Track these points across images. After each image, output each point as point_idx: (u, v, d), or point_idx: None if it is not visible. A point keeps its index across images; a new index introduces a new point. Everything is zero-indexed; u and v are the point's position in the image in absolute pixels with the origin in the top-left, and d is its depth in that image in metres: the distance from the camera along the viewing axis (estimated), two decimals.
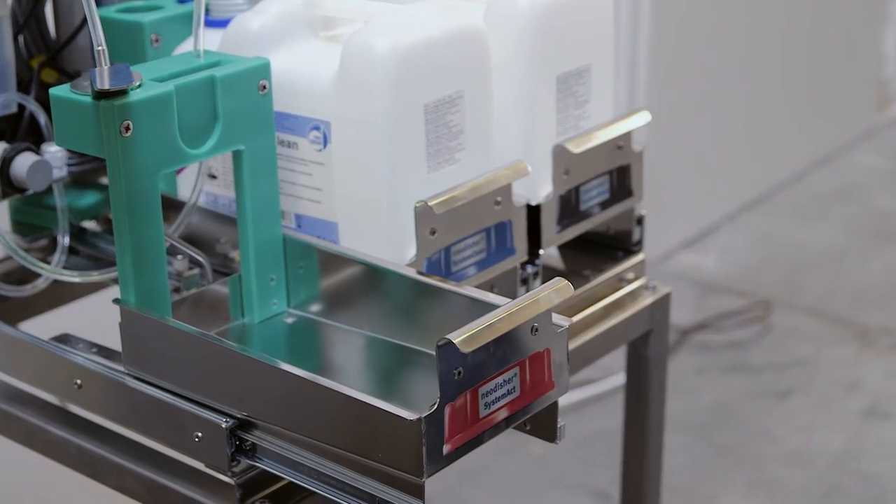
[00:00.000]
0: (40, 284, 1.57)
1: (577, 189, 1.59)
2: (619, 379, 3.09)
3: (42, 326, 1.61)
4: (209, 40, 1.41)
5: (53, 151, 1.54)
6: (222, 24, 1.49)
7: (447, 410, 1.15)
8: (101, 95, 1.26)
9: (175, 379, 1.31)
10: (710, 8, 3.84)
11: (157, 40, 1.52)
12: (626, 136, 1.63)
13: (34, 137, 1.59)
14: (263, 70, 1.36)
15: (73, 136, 1.31)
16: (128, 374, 1.35)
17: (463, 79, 1.45)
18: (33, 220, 1.67)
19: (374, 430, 1.17)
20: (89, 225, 1.73)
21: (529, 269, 1.55)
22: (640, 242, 1.71)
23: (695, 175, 3.94)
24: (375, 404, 1.16)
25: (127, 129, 1.27)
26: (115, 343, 1.40)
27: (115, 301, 1.34)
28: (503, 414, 1.22)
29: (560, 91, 1.57)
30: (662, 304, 1.71)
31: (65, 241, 1.58)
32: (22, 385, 1.50)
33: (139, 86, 1.29)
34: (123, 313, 1.34)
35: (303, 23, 1.49)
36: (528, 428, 1.30)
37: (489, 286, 1.49)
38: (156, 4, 1.57)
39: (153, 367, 1.33)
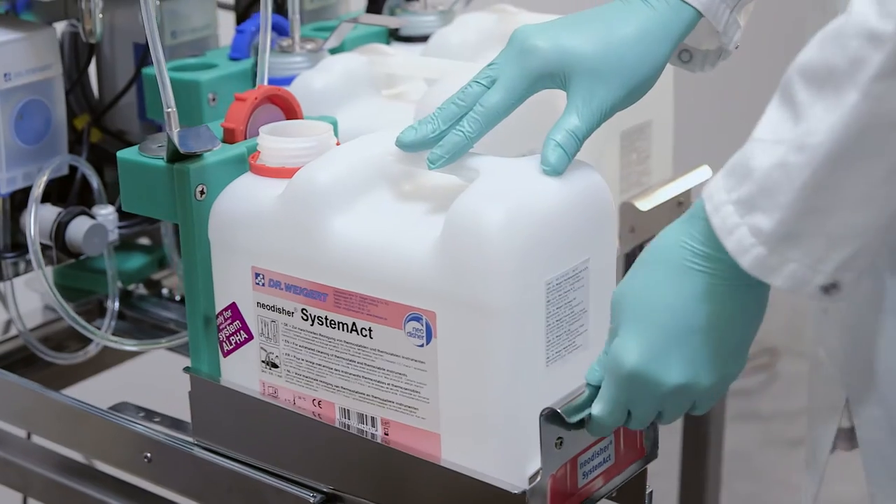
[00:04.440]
0: (91, 350, 1.53)
1: (641, 247, 1.57)
2: None
3: (83, 389, 1.57)
4: None
5: (105, 214, 1.50)
6: (286, 81, 1.45)
7: (549, 481, 1.12)
8: (176, 158, 1.22)
9: (252, 451, 1.26)
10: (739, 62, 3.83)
11: (213, 99, 1.47)
12: (687, 192, 1.61)
13: (81, 199, 1.55)
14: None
15: (142, 200, 1.26)
16: (198, 446, 1.30)
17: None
18: (79, 283, 1.63)
19: (476, 503, 1.13)
20: (132, 287, 1.69)
21: None
22: None
23: None
24: (478, 477, 1.12)
25: (202, 192, 1.23)
26: (164, 408, 1.37)
27: (186, 370, 1.30)
28: (599, 483, 1.19)
29: (624, 147, 1.55)
30: None
31: (114, 306, 1.54)
32: (74, 454, 1.45)
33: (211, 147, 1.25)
34: (195, 382, 1.29)
35: (366, 82, 1.46)
36: (614, 495, 1.27)
37: None
38: (208, 62, 1.52)
39: (226, 438, 1.28)
